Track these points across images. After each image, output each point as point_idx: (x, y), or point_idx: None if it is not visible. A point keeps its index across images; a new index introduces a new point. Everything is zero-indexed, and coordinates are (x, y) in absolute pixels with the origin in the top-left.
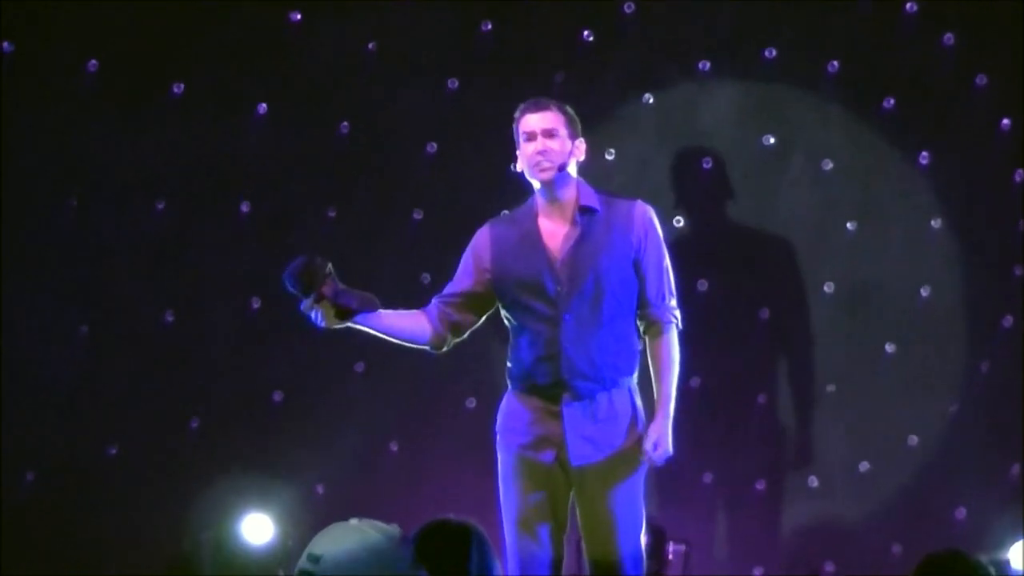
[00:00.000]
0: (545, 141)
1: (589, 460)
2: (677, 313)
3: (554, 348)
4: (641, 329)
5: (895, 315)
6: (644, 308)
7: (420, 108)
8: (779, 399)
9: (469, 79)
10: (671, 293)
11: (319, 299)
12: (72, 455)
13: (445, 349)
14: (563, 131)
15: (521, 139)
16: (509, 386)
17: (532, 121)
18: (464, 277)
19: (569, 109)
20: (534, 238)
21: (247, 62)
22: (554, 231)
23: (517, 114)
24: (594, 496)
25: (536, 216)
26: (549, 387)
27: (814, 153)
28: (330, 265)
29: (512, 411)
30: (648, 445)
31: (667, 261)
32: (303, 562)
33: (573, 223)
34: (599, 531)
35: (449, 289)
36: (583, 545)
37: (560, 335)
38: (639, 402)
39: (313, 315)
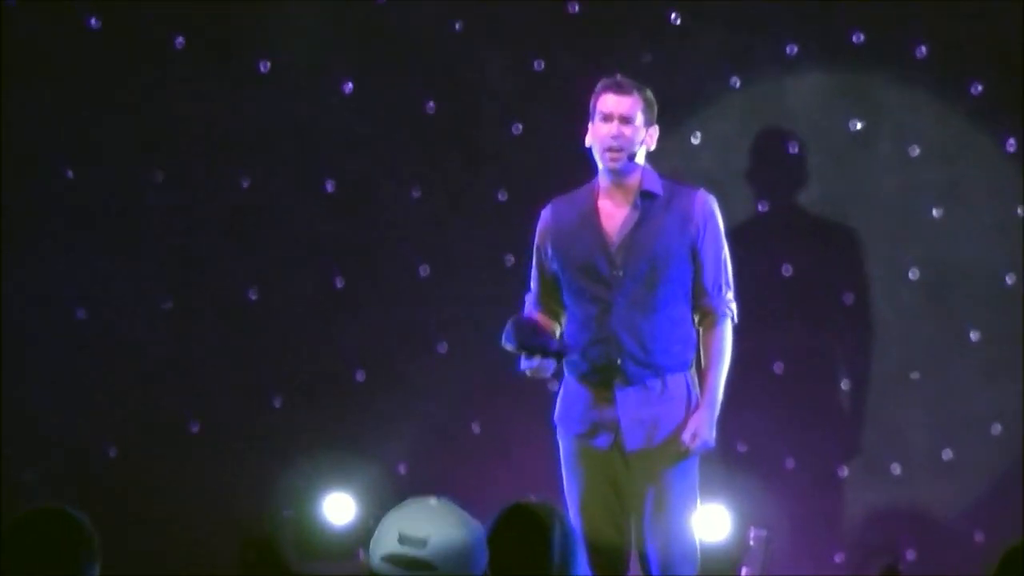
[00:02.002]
0: (620, 126)
1: (643, 444)
2: (733, 306)
3: (606, 331)
4: (696, 320)
5: (979, 302)
6: (699, 298)
7: (506, 88)
8: (862, 385)
9: (555, 60)
10: (728, 285)
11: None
12: (154, 432)
13: None
14: (640, 118)
15: (596, 116)
16: (565, 372)
17: (610, 103)
18: (537, 271)
19: (649, 94)
20: (592, 219)
21: (333, 38)
22: (613, 213)
23: (598, 88)
24: (647, 480)
25: (597, 197)
26: (602, 371)
27: (901, 138)
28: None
29: (568, 399)
30: (686, 435)
31: (726, 253)
32: (396, 544)
33: (633, 206)
34: (653, 514)
35: (534, 289)
36: (634, 528)
37: (612, 318)
38: (696, 389)
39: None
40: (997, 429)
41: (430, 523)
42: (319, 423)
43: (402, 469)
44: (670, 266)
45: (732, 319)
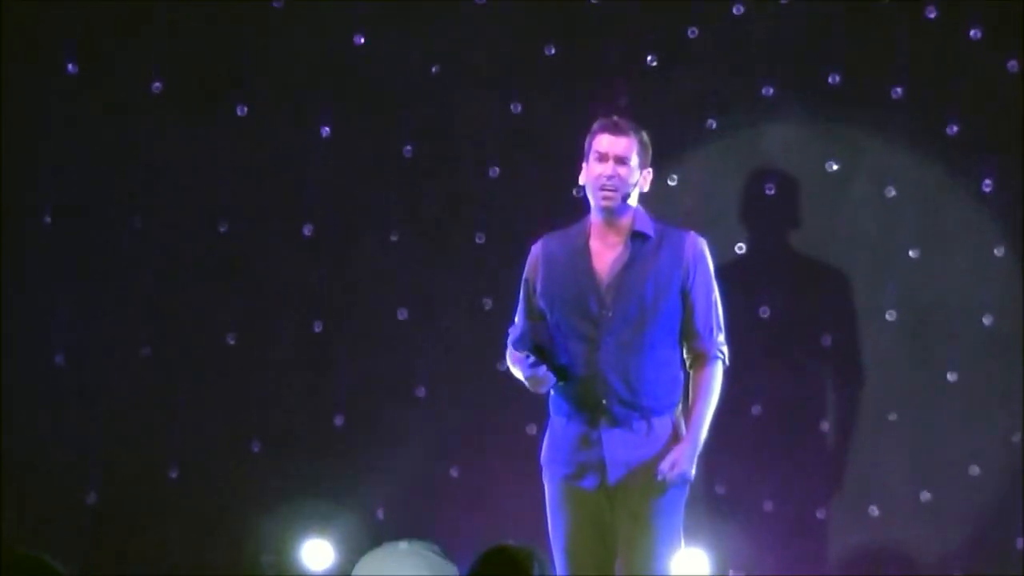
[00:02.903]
0: (615, 167)
1: (628, 483)
2: (724, 349)
3: (593, 370)
4: (688, 361)
5: (957, 343)
6: (691, 340)
7: (483, 132)
8: (840, 427)
9: (532, 103)
10: (719, 328)
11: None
12: (133, 478)
13: None
14: (635, 159)
15: (591, 156)
16: (551, 412)
17: (606, 143)
18: (524, 306)
19: (645, 136)
20: (584, 258)
21: (311, 84)
22: (604, 253)
23: (595, 127)
24: (631, 519)
25: (589, 236)
26: (588, 411)
27: (877, 179)
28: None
29: (554, 440)
30: (665, 464)
31: (716, 295)
32: None
33: (624, 247)
34: (635, 554)
35: (519, 323)
36: (619, 567)
37: (599, 357)
38: (683, 429)
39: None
40: (975, 471)
41: (399, 567)
42: (298, 469)
43: (380, 515)
44: (659, 308)
45: (724, 362)
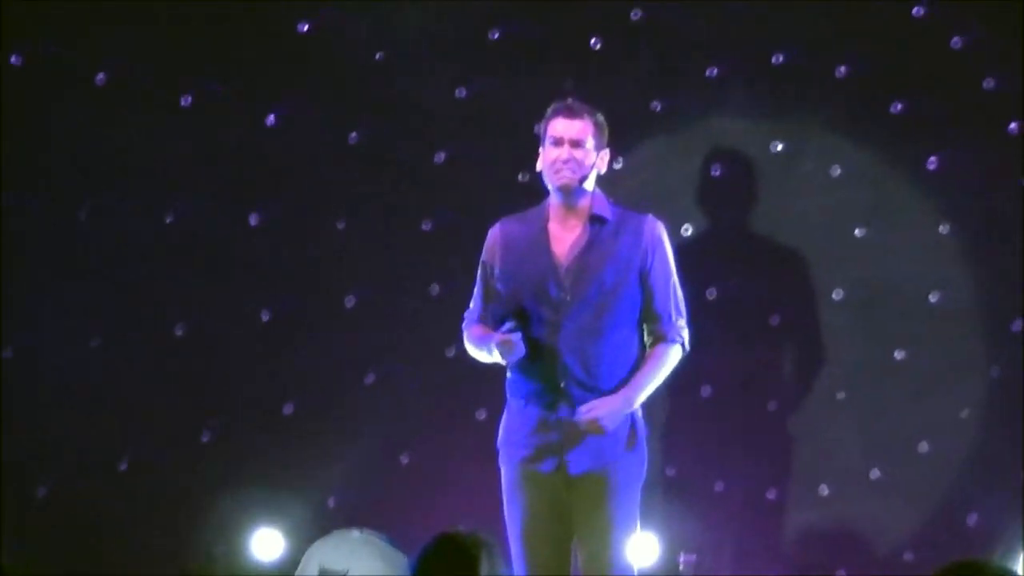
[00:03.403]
0: (571, 150)
1: (586, 468)
2: (685, 334)
3: (552, 354)
4: (648, 344)
5: (904, 321)
6: (651, 323)
7: (429, 117)
8: (789, 406)
9: (478, 87)
10: (679, 312)
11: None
12: (83, 468)
13: None
14: (591, 142)
15: (547, 141)
16: (508, 396)
17: (561, 127)
18: (482, 289)
19: (600, 117)
20: (542, 242)
21: (256, 71)
22: (563, 237)
23: (548, 112)
24: (589, 504)
25: (547, 219)
26: (546, 394)
27: (823, 159)
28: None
29: (512, 423)
30: (584, 408)
31: (675, 279)
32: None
33: (583, 230)
34: (592, 539)
35: (476, 307)
36: (576, 552)
37: (559, 341)
38: (639, 414)
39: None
40: (924, 447)
41: (351, 555)
42: (248, 458)
43: (331, 503)
44: (618, 291)
45: (683, 346)
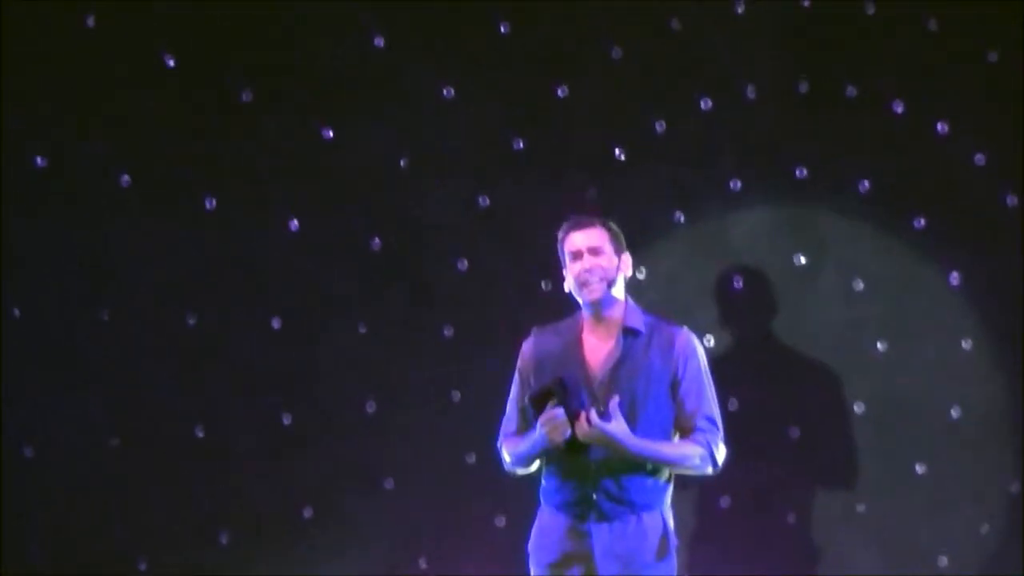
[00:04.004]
0: (591, 259)
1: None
2: (715, 440)
3: (585, 466)
4: None
5: (925, 435)
6: (683, 433)
7: (451, 224)
8: (809, 519)
9: (500, 196)
10: (712, 422)
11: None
12: (102, 571)
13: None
14: (608, 247)
15: (567, 258)
16: (542, 502)
17: (577, 240)
18: (518, 404)
19: (613, 225)
20: (577, 353)
21: (279, 177)
22: (597, 348)
23: (561, 233)
24: None
25: (580, 331)
26: (577, 505)
27: (845, 272)
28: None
29: (543, 529)
30: (582, 418)
31: (710, 392)
32: None
33: (616, 342)
34: None
35: (514, 420)
36: None
37: (591, 453)
38: (671, 524)
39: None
40: (943, 562)
41: None
42: (267, 560)
43: None
44: (649, 404)
45: (711, 453)
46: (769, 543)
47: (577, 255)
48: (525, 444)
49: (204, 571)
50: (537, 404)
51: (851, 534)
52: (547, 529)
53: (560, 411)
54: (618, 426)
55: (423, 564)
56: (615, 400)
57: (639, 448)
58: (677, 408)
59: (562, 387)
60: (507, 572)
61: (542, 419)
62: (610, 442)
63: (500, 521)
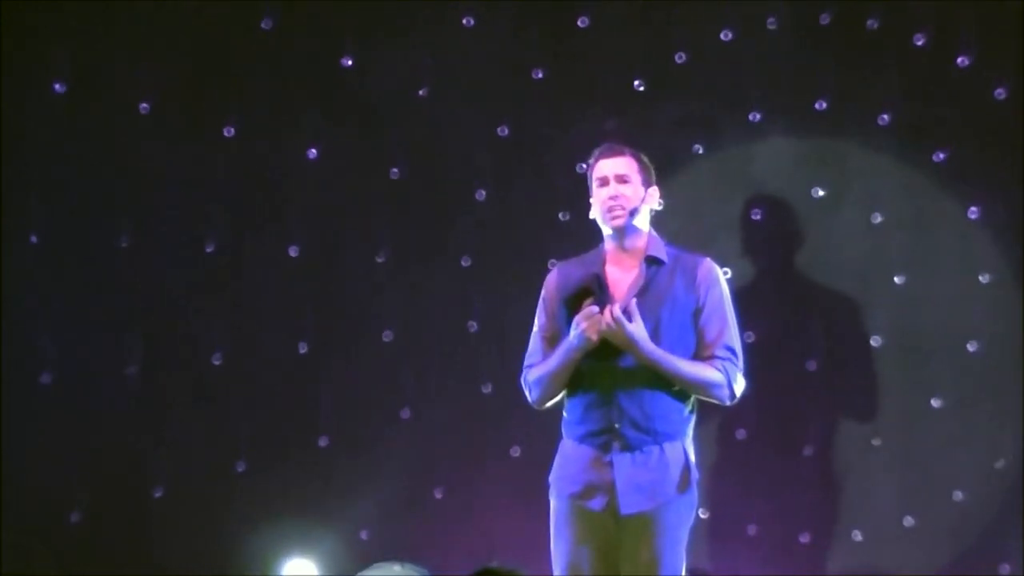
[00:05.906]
0: (618, 187)
1: (638, 508)
2: (732, 369)
3: (608, 396)
4: None
5: (942, 370)
6: (703, 357)
7: (470, 154)
8: (825, 452)
9: (520, 126)
10: (732, 351)
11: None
12: (116, 496)
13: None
14: (636, 177)
15: (594, 184)
16: (564, 434)
17: (606, 167)
18: (545, 335)
19: (643, 157)
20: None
21: (298, 106)
22: (620, 279)
23: (591, 159)
24: (637, 544)
25: (604, 262)
26: (601, 435)
27: (864, 205)
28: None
29: (565, 459)
30: (614, 308)
31: (731, 321)
32: None
33: (640, 272)
34: (638, 573)
35: (536, 350)
36: None
37: (615, 383)
38: (692, 456)
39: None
40: (959, 496)
41: None
42: (282, 488)
43: (364, 535)
44: (673, 333)
45: (728, 379)
46: (785, 475)
47: (604, 181)
48: (555, 357)
49: (220, 499)
50: (573, 304)
51: (867, 467)
52: (569, 460)
53: (596, 308)
54: (638, 328)
55: (439, 494)
56: (634, 302)
57: (657, 356)
58: (697, 336)
59: (599, 284)
60: (521, 503)
61: (579, 316)
62: (630, 343)
63: (516, 451)
